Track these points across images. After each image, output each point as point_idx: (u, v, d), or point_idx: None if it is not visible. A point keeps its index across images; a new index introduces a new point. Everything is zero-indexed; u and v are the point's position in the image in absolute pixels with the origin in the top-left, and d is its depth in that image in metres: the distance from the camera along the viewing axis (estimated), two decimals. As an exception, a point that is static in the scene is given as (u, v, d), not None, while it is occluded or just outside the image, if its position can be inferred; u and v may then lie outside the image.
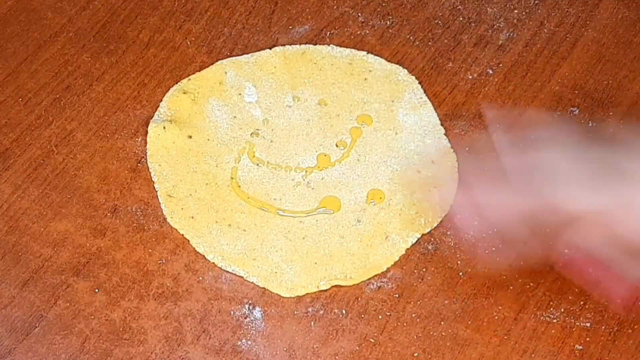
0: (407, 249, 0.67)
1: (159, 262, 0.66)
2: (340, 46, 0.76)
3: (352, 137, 0.72)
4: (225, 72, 0.75)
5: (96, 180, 0.70)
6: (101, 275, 0.66)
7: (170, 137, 0.71)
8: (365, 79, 0.74)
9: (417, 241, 0.67)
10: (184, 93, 0.73)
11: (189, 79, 0.74)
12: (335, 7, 0.79)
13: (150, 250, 0.67)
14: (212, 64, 0.75)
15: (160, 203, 0.69)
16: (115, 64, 0.75)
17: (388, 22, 0.78)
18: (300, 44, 0.76)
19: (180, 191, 0.69)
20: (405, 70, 0.75)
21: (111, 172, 0.70)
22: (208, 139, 0.71)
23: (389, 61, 0.75)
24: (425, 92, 0.74)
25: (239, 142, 0.71)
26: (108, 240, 0.67)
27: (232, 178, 0.70)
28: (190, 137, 0.71)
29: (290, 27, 0.77)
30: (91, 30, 0.77)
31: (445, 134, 0.72)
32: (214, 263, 0.66)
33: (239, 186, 0.69)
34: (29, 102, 0.74)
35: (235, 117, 0.73)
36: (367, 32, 0.77)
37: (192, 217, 0.68)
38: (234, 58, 0.75)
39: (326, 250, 0.67)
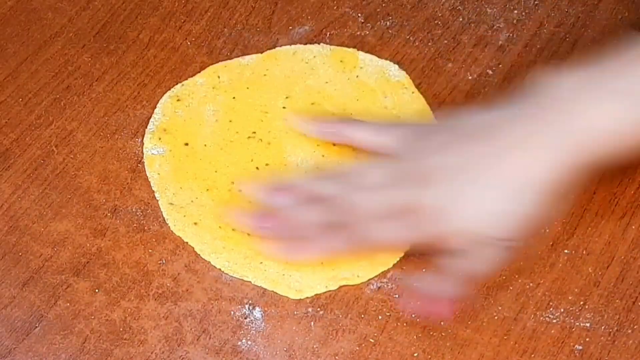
0: (407, 251, 0.66)
1: (159, 262, 0.66)
2: (341, 47, 0.76)
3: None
4: (218, 77, 0.75)
5: (96, 181, 0.70)
6: (101, 275, 0.66)
7: (167, 147, 0.71)
8: (357, 76, 0.74)
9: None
10: (178, 100, 0.73)
11: (182, 85, 0.74)
12: (335, 7, 0.79)
13: (150, 251, 0.67)
14: (212, 64, 0.75)
15: (162, 211, 0.68)
16: (115, 64, 0.76)
17: (388, 23, 0.78)
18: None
19: (182, 199, 0.69)
20: (396, 66, 0.75)
21: (111, 172, 0.70)
22: (205, 145, 0.71)
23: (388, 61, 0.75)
24: (423, 90, 0.74)
25: (236, 146, 0.71)
26: (108, 240, 0.67)
27: (232, 182, 0.70)
28: (186, 144, 0.71)
29: (291, 27, 0.77)
30: (91, 30, 0.77)
31: None
32: (220, 269, 0.66)
33: (240, 190, 0.69)
34: (29, 102, 0.74)
35: (230, 121, 0.72)
36: (367, 32, 0.77)
37: (196, 224, 0.68)
38: (225, 62, 0.75)
39: None
